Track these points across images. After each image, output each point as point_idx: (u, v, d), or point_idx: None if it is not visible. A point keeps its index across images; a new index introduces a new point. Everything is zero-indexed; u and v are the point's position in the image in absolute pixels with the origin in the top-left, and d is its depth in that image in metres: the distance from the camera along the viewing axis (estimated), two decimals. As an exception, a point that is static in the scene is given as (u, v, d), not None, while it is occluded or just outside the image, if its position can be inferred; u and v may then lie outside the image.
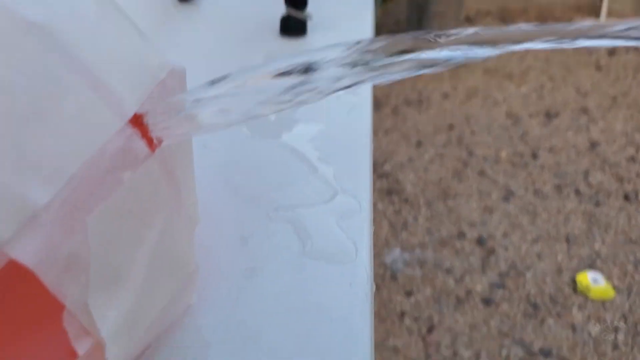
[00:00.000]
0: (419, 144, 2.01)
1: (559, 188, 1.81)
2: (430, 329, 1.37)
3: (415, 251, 1.59)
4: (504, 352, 1.33)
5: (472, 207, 1.74)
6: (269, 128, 0.47)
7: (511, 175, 1.86)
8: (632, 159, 1.93)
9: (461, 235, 1.64)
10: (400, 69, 0.21)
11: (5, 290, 0.17)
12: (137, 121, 0.21)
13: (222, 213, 0.38)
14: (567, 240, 1.63)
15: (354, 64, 0.21)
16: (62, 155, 0.18)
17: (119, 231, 0.21)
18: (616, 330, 1.37)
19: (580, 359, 1.32)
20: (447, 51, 0.20)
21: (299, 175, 0.42)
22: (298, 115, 0.48)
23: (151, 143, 0.22)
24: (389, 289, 1.47)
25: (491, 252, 1.59)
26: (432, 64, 0.21)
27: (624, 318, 1.40)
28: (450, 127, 2.10)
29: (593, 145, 2.00)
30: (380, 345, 1.33)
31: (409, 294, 1.47)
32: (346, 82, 0.21)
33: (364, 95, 0.51)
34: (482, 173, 1.87)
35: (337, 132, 0.47)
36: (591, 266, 1.54)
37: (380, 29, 1.91)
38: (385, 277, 1.51)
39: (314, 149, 0.44)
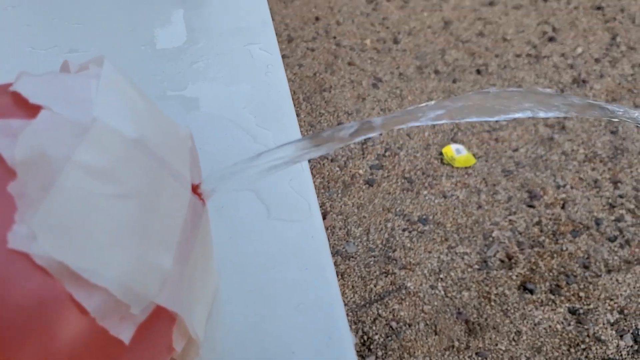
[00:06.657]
0: (289, 39, 2.08)
1: (420, 69, 1.98)
2: (324, 215, 1.53)
3: (300, 146, 1.71)
4: (389, 225, 1.53)
5: (346, 96, 1.87)
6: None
7: (377, 62, 2.00)
8: (481, 34, 2.13)
9: (340, 124, 1.78)
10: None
11: (153, 318, 0.26)
12: (193, 188, 0.30)
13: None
14: (432, 117, 1.82)
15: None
16: (170, 231, 0.27)
17: (199, 258, 0.30)
18: (479, 192, 1.61)
19: (452, 221, 1.54)
20: None
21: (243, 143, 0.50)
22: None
23: (202, 199, 0.31)
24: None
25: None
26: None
27: (485, 181, 1.64)
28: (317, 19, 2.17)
29: (446, 24, 2.17)
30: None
31: (301, 186, 1.60)
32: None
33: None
34: (351, 63, 1.99)
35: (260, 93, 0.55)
36: (453, 139, 1.76)
37: None
38: (277, 174, 1.63)
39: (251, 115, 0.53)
